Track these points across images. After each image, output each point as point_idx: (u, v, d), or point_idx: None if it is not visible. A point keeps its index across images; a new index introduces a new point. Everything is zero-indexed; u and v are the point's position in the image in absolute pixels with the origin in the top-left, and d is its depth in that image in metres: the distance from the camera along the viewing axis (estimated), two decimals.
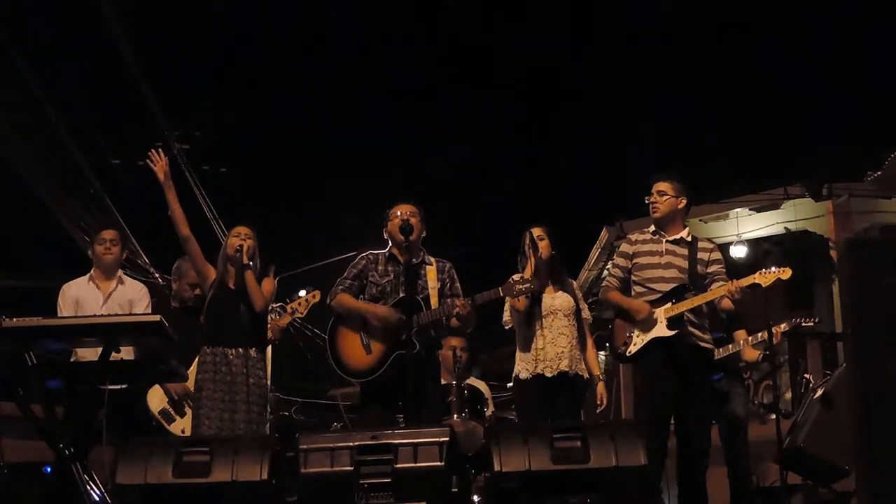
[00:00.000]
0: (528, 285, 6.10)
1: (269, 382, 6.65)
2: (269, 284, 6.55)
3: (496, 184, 17.57)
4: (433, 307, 6.05)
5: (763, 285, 6.11)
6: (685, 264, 6.17)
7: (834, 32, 13.81)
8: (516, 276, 6.41)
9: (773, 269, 6.12)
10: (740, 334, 7.09)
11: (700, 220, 10.97)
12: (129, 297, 6.81)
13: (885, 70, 12.56)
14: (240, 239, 6.44)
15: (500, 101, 17.13)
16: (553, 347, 6.53)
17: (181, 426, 6.88)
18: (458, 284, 6.24)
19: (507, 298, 6.58)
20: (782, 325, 6.94)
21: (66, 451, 5.28)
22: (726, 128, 14.86)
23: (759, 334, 6.87)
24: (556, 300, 6.67)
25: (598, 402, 6.78)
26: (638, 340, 6.15)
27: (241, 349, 6.34)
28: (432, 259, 6.26)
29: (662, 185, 6.26)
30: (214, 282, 6.51)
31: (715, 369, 6.88)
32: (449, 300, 6.06)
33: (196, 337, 6.70)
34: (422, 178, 16.27)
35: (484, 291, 6.07)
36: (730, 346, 7.01)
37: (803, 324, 7.05)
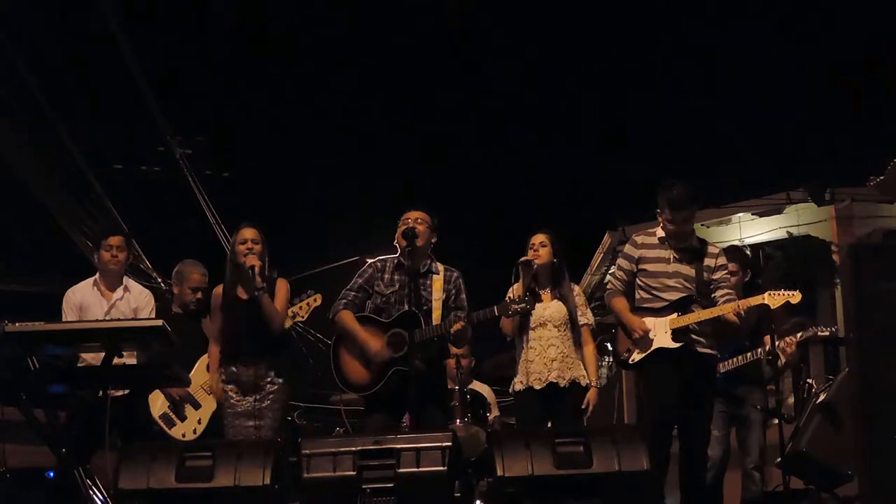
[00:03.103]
0: (523, 305, 6.04)
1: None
2: (283, 290, 6.41)
3: (498, 187, 17.56)
4: (435, 318, 6.00)
5: (772, 307, 6.11)
6: (692, 272, 6.12)
7: (835, 35, 13.81)
8: (515, 292, 6.39)
9: (783, 291, 6.10)
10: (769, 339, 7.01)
11: (703, 225, 10.97)
12: (134, 306, 6.79)
13: (886, 72, 12.56)
14: (247, 247, 6.28)
15: (501, 104, 17.13)
16: (541, 359, 6.48)
17: (182, 430, 6.90)
18: (463, 295, 6.15)
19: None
20: (799, 334, 6.90)
21: (69, 456, 5.29)
22: (729, 132, 14.85)
23: (766, 347, 6.82)
24: (546, 310, 6.58)
25: (584, 406, 6.68)
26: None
27: (261, 359, 6.26)
28: (440, 267, 6.17)
29: (687, 214, 6.07)
30: (225, 285, 6.41)
31: (734, 379, 6.86)
32: (445, 320, 5.99)
33: (198, 341, 6.71)
34: (424, 183, 16.27)
35: (480, 310, 6.03)
36: (748, 353, 6.92)
37: (819, 333, 7.02)
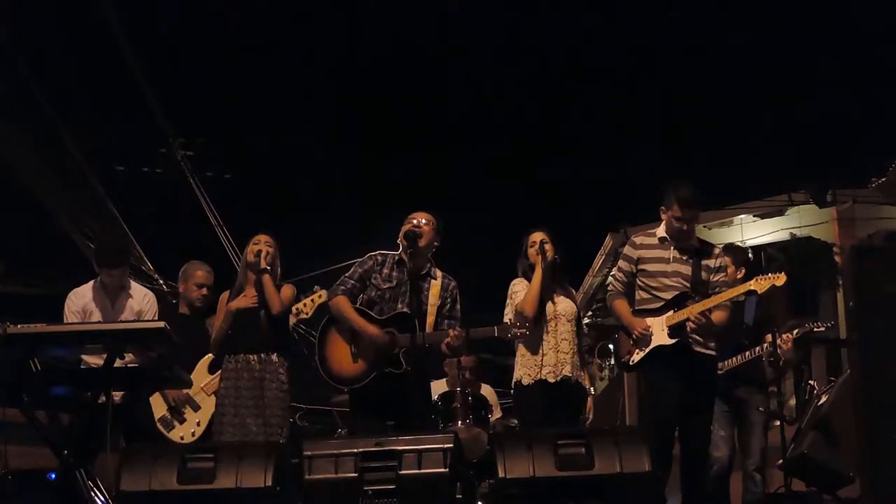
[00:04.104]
0: (523, 330, 6.02)
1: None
2: (288, 290, 6.58)
3: (500, 189, 17.57)
4: (429, 324, 5.98)
5: (759, 291, 6.13)
6: (691, 271, 6.12)
7: (837, 38, 13.81)
8: (517, 290, 6.39)
9: (769, 275, 6.14)
10: (770, 338, 6.99)
11: (704, 227, 10.96)
12: (137, 310, 6.78)
13: (888, 75, 12.57)
14: (259, 246, 6.52)
15: (502, 106, 17.14)
16: (556, 353, 6.48)
17: (180, 433, 6.87)
18: (458, 306, 6.16)
19: (510, 301, 6.57)
20: (795, 331, 6.90)
21: (71, 458, 5.28)
22: (730, 134, 14.86)
23: (766, 345, 6.82)
24: (559, 305, 6.59)
25: (586, 417, 6.68)
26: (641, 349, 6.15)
27: (262, 354, 6.38)
28: (438, 273, 6.17)
29: (696, 212, 6.14)
30: (233, 290, 6.57)
31: (733, 379, 6.86)
32: (443, 330, 5.98)
33: (200, 342, 6.70)
34: (424, 184, 16.28)
35: (480, 328, 6.02)
36: (747, 352, 6.91)
37: (815, 329, 7.02)
